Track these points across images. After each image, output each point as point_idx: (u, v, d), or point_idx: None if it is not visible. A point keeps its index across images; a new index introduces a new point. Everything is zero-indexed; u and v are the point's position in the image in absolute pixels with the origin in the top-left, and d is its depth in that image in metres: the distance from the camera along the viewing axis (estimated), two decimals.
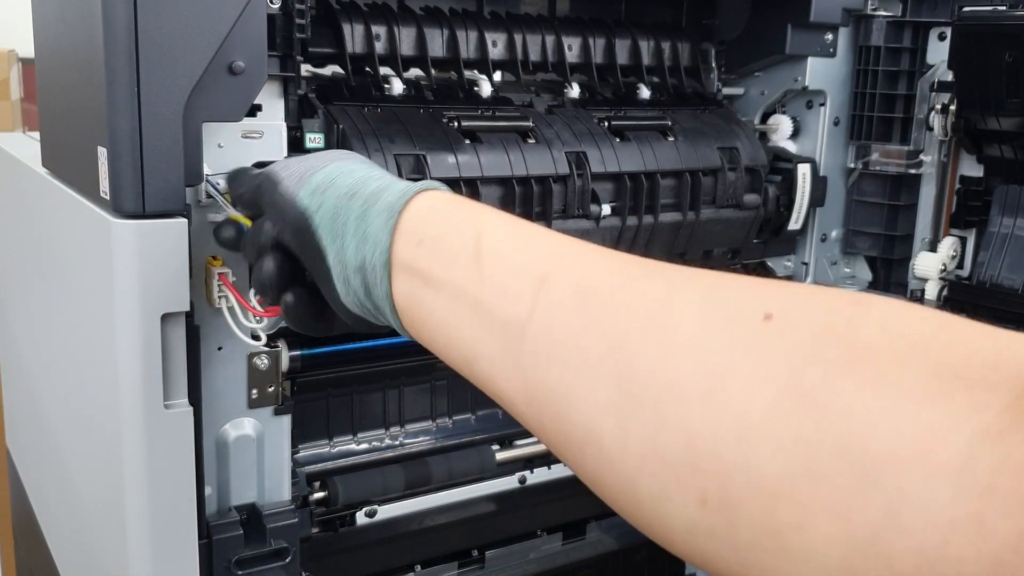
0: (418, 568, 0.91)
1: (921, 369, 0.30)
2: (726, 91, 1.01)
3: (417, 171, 0.75)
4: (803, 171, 0.97)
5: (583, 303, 0.41)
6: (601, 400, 0.38)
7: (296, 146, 0.73)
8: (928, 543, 0.27)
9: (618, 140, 0.86)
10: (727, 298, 0.37)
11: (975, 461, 0.27)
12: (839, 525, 0.29)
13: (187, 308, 0.62)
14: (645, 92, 0.94)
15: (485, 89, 0.85)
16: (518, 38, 0.87)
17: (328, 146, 0.74)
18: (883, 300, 0.35)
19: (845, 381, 0.31)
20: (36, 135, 1.07)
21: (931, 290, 0.94)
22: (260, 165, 0.67)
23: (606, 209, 0.84)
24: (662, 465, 0.35)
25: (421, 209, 0.49)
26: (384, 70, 0.81)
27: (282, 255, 0.56)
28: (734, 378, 0.34)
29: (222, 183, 0.64)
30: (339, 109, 0.76)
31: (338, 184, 0.52)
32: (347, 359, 0.81)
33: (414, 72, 0.84)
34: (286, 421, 0.73)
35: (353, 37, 0.79)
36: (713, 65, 1.00)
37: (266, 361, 0.71)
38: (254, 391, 0.71)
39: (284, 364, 0.73)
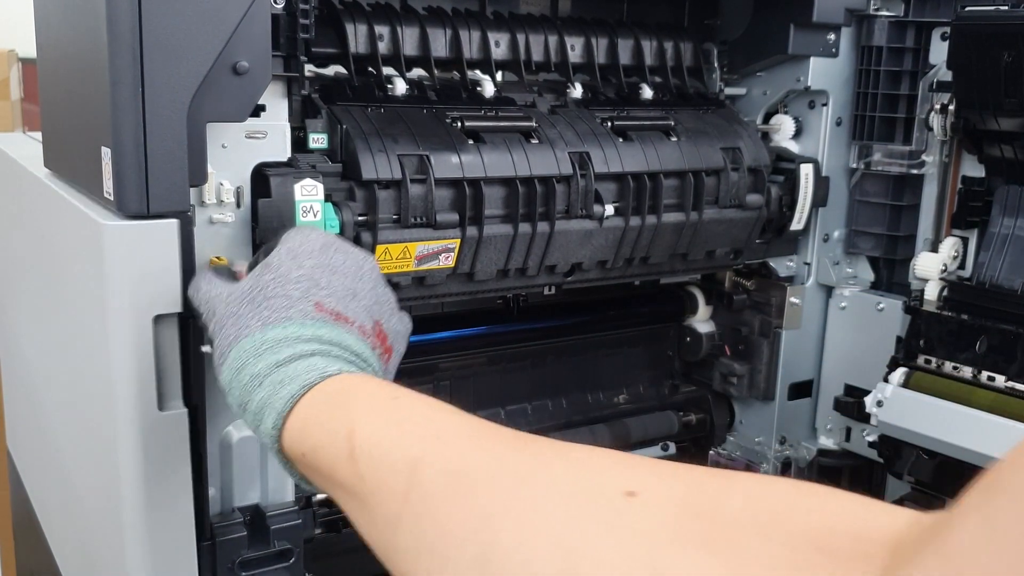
0: None
1: (783, 543, 0.30)
2: (728, 91, 1.01)
3: (420, 171, 0.75)
4: (805, 171, 0.97)
5: (452, 486, 0.40)
6: None
7: (300, 146, 0.73)
8: None
9: (621, 140, 0.86)
10: (592, 473, 0.37)
11: None
12: None
13: (180, 309, 0.62)
14: (648, 92, 0.93)
15: (488, 89, 0.85)
16: (521, 38, 0.87)
17: (331, 148, 0.74)
18: (750, 475, 0.35)
19: (703, 559, 0.31)
20: (36, 135, 1.07)
21: (931, 290, 0.94)
22: (265, 166, 0.68)
23: (609, 209, 0.84)
24: None
25: (296, 425, 0.50)
26: (387, 70, 0.81)
27: None
28: (589, 559, 0.33)
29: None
30: (342, 109, 0.76)
31: (234, 390, 0.53)
32: None
33: (417, 72, 0.84)
34: None
35: (356, 37, 0.79)
36: (715, 65, 1.00)
37: None
38: None
39: None
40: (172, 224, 0.61)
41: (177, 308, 0.62)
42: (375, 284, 0.59)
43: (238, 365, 0.53)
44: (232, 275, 0.62)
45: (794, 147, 1.01)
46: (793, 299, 1.02)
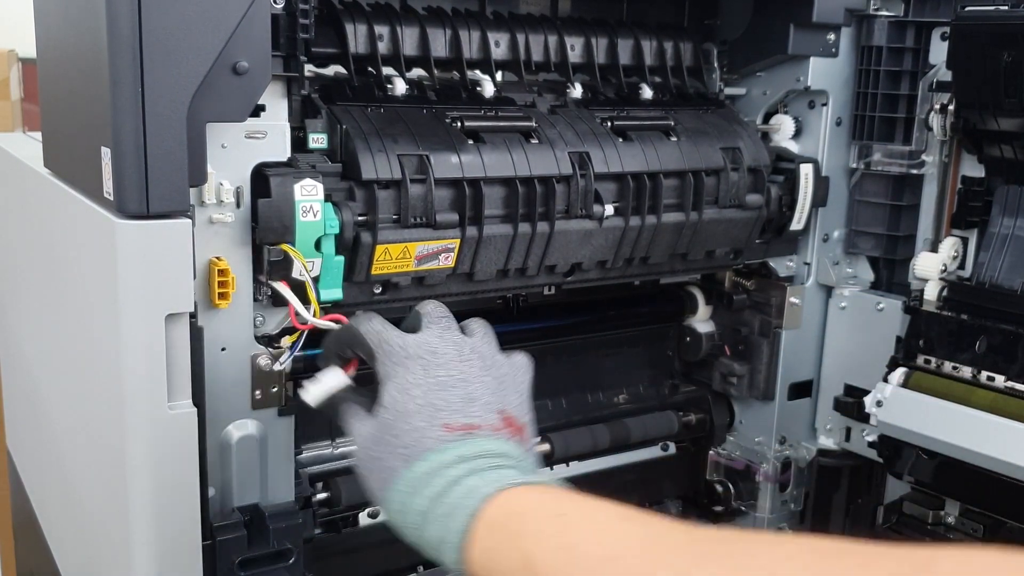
0: (421, 569, 0.91)
1: None
2: (728, 91, 1.01)
3: (420, 171, 0.75)
4: (805, 171, 0.97)
5: None
6: None
7: (300, 146, 0.73)
8: None
9: (621, 140, 0.86)
10: None
11: None
12: None
13: (191, 309, 0.62)
14: (647, 92, 0.93)
15: (488, 89, 0.85)
16: (521, 38, 0.87)
17: (331, 148, 0.74)
18: (946, 552, 0.34)
19: None
20: (36, 135, 1.07)
21: (931, 290, 0.94)
22: (265, 166, 0.68)
23: (609, 209, 0.84)
24: None
25: (477, 559, 0.51)
26: (387, 70, 0.81)
27: None
28: None
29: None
30: (342, 109, 0.76)
31: (407, 530, 0.54)
32: None
33: (417, 72, 0.84)
34: (289, 422, 0.73)
35: (356, 37, 0.79)
36: (715, 65, 1.00)
37: (269, 362, 0.71)
38: (257, 392, 0.71)
39: (287, 365, 0.73)
40: (185, 224, 0.61)
41: (189, 307, 0.62)
42: (480, 377, 0.60)
43: (400, 508, 0.54)
44: (363, 396, 0.62)
45: (794, 147, 1.01)
46: (793, 299, 1.02)
